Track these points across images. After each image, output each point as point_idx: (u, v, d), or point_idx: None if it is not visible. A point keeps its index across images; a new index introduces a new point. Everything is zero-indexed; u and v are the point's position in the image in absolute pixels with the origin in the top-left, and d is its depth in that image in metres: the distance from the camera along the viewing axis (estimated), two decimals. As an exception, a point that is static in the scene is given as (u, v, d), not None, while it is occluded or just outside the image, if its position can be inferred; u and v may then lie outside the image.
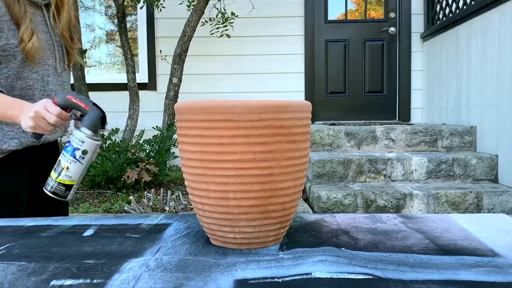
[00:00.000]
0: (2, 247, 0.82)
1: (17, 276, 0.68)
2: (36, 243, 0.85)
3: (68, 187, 1.00)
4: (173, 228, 0.94)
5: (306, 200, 3.51)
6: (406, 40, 4.98)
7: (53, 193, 1.00)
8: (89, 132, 0.98)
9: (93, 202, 3.39)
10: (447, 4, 4.35)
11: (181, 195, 3.28)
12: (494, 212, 3.13)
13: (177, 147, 3.77)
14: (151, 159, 3.70)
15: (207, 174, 0.77)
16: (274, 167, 0.76)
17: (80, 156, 0.98)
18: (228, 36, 4.30)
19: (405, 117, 5.04)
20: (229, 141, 0.74)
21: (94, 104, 1.02)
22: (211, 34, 4.43)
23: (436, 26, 4.57)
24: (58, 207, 1.44)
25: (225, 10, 4.38)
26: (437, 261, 0.73)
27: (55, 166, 1.00)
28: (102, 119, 1.01)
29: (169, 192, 3.21)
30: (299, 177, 0.81)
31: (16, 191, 1.31)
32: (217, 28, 4.36)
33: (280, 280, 0.66)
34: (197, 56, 4.83)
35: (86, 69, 4.25)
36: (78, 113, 1.02)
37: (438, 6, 4.60)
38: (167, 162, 3.94)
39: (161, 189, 3.31)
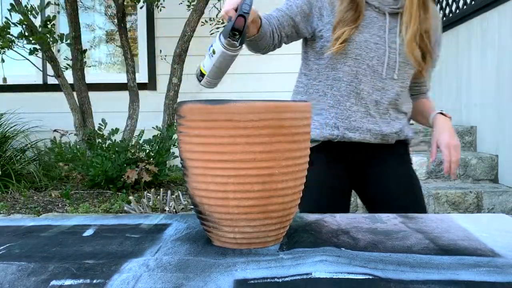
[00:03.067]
0: (2, 247, 0.82)
1: (17, 276, 0.68)
2: (36, 243, 0.85)
3: (201, 74, 1.15)
4: (173, 228, 0.94)
5: (306, 200, 3.50)
6: (406, 40, 4.98)
7: (195, 74, 1.17)
8: (221, 37, 1.07)
9: (93, 202, 3.39)
10: (447, 4, 4.35)
11: (181, 195, 3.28)
12: (494, 212, 3.13)
13: (177, 147, 3.77)
14: (151, 159, 3.70)
15: (207, 174, 0.77)
16: (274, 167, 0.76)
17: (210, 54, 1.11)
18: (228, 36, 4.29)
19: (405, 117, 5.04)
20: (229, 141, 0.74)
21: (242, 15, 1.06)
22: (211, 34, 4.42)
23: (436, 26, 4.56)
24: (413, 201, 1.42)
25: (225, 10, 4.38)
26: (437, 261, 0.73)
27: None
28: (236, 30, 1.06)
29: (169, 192, 3.21)
30: (299, 177, 0.81)
31: (330, 183, 1.40)
32: (217, 28, 4.36)
33: (280, 280, 0.66)
34: (197, 56, 4.81)
35: (86, 69, 4.25)
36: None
37: (438, 6, 4.60)
38: (167, 162, 3.94)
39: (161, 189, 3.31)
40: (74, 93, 3.98)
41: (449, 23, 4.18)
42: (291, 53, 5.19)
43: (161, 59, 4.74)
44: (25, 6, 3.56)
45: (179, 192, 3.41)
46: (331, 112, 1.37)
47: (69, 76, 4.00)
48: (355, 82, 1.33)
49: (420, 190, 1.45)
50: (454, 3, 4.19)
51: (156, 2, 4.13)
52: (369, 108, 1.36)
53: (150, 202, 3.19)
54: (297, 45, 4.99)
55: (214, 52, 1.09)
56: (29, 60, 3.79)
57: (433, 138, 1.41)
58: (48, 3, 3.74)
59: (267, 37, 1.31)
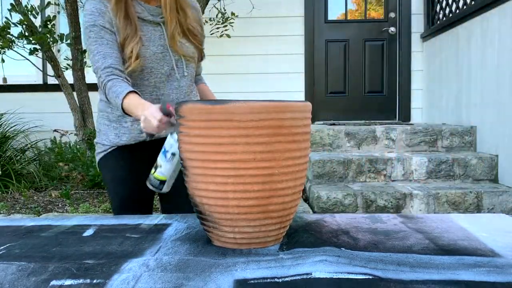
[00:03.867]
0: (2, 247, 0.82)
1: (17, 276, 0.68)
2: (36, 243, 0.85)
3: (162, 182, 1.13)
4: (173, 228, 0.94)
5: (306, 200, 3.51)
6: (406, 40, 4.98)
7: (151, 185, 1.15)
8: (176, 137, 1.06)
9: (93, 202, 3.39)
10: (447, 4, 4.35)
11: (181, 195, 3.27)
12: (494, 212, 3.13)
13: (177, 147, 3.76)
14: (151, 159, 3.69)
15: (207, 174, 0.77)
16: (274, 167, 0.76)
17: (169, 158, 1.11)
18: (228, 36, 4.30)
19: (405, 117, 5.04)
20: (229, 141, 0.74)
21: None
22: (211, 34, 4.43)
23: (436, 26, 4.57)
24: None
25: (225, 10, 4.39)
26: (437, 261, 0.73)
27: (155, 163, 1.15)
28: None
29: (169, 192, 3.21)
30: (299, 177, 0.80)
31: (130, 177, 1.49)
32: (217, 28, 4.37)
33: (280, 280, 0.66)
34: (197, 56, 4.83)
35: (86, 69, 4.25)
36: (174, 120, 1.10)
37: (438, 6, 4.60)
38: (167, 162, 3.93)
39: (161, 189, 3.30)
40: (74, 93, 3.98)
41: (449, 23, 4.19)
42: (291, 53, 5.21)
43: (161, 59, 4.73)
44: (25, 6, 3.56)
45: (179, 192, 3.40)
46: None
47: (69, 76, 3.99)
48: (155, 91, 1.45)
49: None
50: (454, 3, 4.19)
51: (156, 2, 4.12)
52: None
53: (150, 202, 3.18)
54: (297, 46, 5.01)
55: (174, 155, 1.10)
56: (29, 60, 3.79)
57: None
58: (48, 3, 3.74)
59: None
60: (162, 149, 1.13)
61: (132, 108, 1.29)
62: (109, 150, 1.52)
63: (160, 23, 1.46)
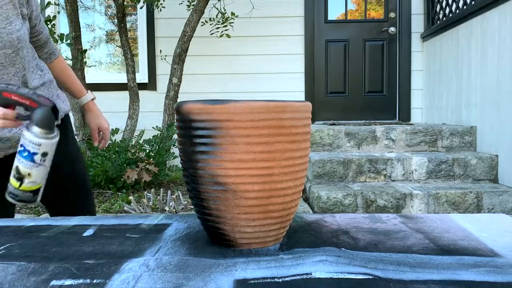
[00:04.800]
0: (2, 247, 0.82)
1: (17, 276, 0.68)
2: (36, 243, 0.85)
3: (35, 192, 0.91)
4: (173, 228, 0.94)
5: (306, 200, 3.51)
6: (406, 40, 4.98)
7: (20, 200, 0.91)
8: (43, 132, 0.85)
9: (93, 202, 3.39)
10: (447, 4, 4.35)
11: (181, 195, 3.28)
12: (494, 212, 3.13)
13: (177, 147, 3.77)
14: (151, 159, 3.70)
15: (207, 174, 0.77)
16: (274, 167, 0.76)
17: (41, 160, 0.87)
18: (228, 36, 4.30)
19: (405, 117, 5.05)
20: (229, 141, 0.74)
21: (40, 95, 0.87)
22: (211, 34, 4.43)
23: (436, 26, 4.57)
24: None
25: (225, 10, 4.39)
26: (437, 261, 0.73)
27: (13, 172, 0.89)
28: (54, 111, 0.86)
29: (169, 192, 3.21)
30: (299, 177, 0.80)
31: None
32: (217, 28, 4.37)
33: (280, 280, 0.66)
34: (197, 56, 4.84)
35: (86, 69, 4.25)
36: (24, 111, 0.87)
37: (438, 6, 4.60)
38: (167, 162, 3.94)
39: (161, 189, 3.31)
40: (74, 93, 3.98)
41: (449, 23, 4.19)
42: (291, 53, 5.20)
43: (161, 59, 4.74)
44: (25, 6, 3.56)
45: (179, 192, 3.41)
46: None
47: (69, 76, 3.99)
48: None
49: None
50: (454, 3, 4.18)
51: (156, 2, 4.13)
52: None
53: (150, 202, 3.19)
54: (297, 46, 5.01)
55: (45, 154, 0.87)
56: (29, 60, 3.78)
57: (92, 122, 1.63)
58: (48, 3, 3.74)
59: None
60: (25, 153, 0.86)
61: None
62: None
63: None
